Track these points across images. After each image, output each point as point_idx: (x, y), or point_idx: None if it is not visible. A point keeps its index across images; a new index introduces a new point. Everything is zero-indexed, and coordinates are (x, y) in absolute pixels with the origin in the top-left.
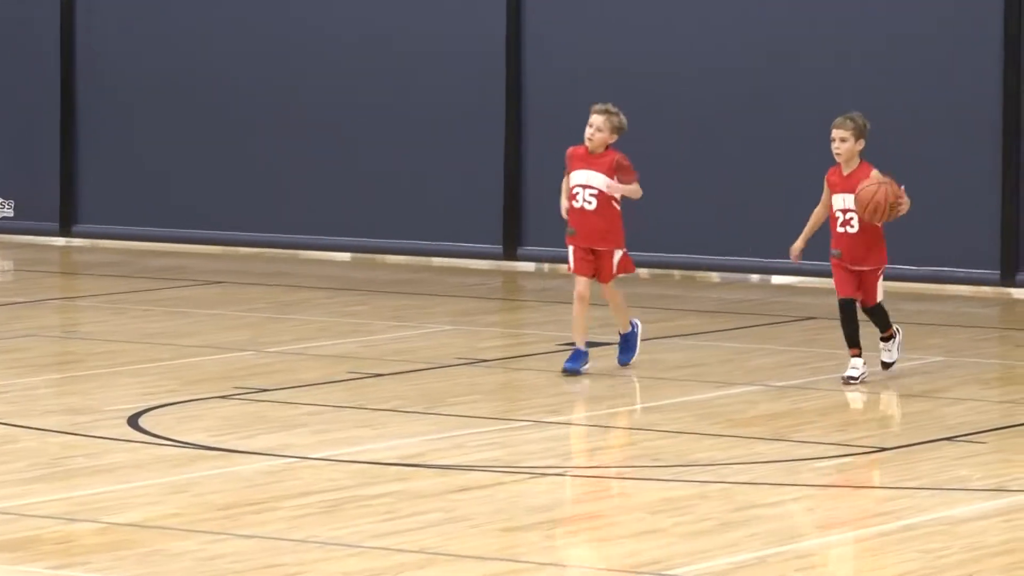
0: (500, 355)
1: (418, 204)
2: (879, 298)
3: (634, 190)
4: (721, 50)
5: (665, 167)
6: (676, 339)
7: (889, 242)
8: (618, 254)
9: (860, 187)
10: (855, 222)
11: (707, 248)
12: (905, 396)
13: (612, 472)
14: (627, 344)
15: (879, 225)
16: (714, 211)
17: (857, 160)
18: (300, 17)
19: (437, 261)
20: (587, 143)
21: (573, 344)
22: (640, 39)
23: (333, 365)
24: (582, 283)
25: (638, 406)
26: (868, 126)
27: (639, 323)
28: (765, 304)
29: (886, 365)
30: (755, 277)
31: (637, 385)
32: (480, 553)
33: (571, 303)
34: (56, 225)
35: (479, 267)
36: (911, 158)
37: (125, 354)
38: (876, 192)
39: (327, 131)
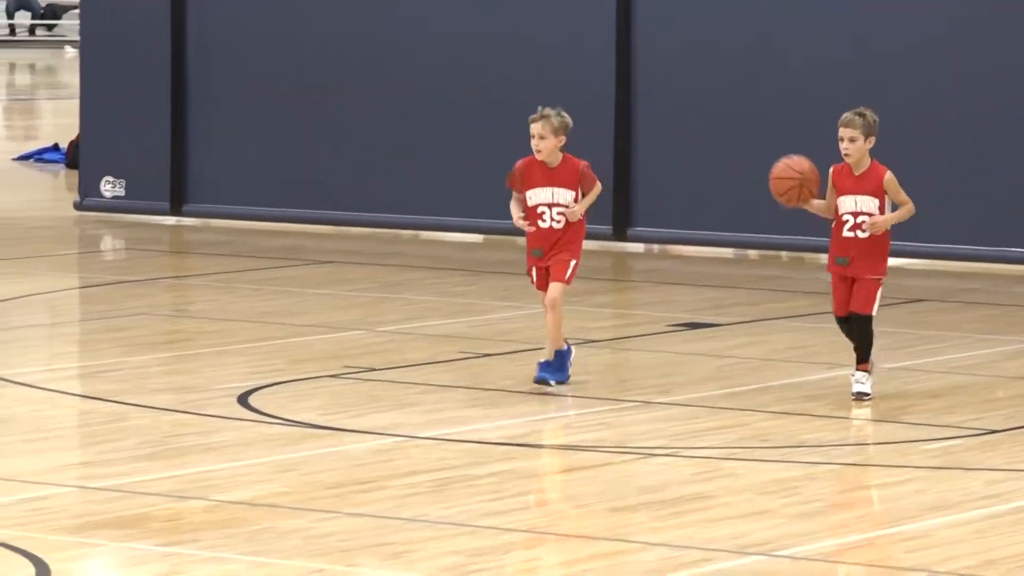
0: (609, 335)
1: None
2: (874, 311)
3: (594, 196)
4: (822, 33)
5: (769, 149)
6: (784, 320)
7: (995, 222)
8: (573, 263)
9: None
10: (867, 226)
11: (815, 230)
12: (1014, 379)
13: (721, 453)
14: (560, 363)
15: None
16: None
17: (868, 160)
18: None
19: None
20: (536, 156)
21: (682, 325)
22: (750, 19)
23: (442, 345)
24: (544, 297)
25: (746, 387)
26: (877, 122)
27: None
28: None
29: (861, 395)
30: None
31: (743, 367)
32: (588, 533)
33: (680, 284)
34: (167, 204)
35: (589, 248)
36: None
37: (235, 333)
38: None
39: (437, 113)
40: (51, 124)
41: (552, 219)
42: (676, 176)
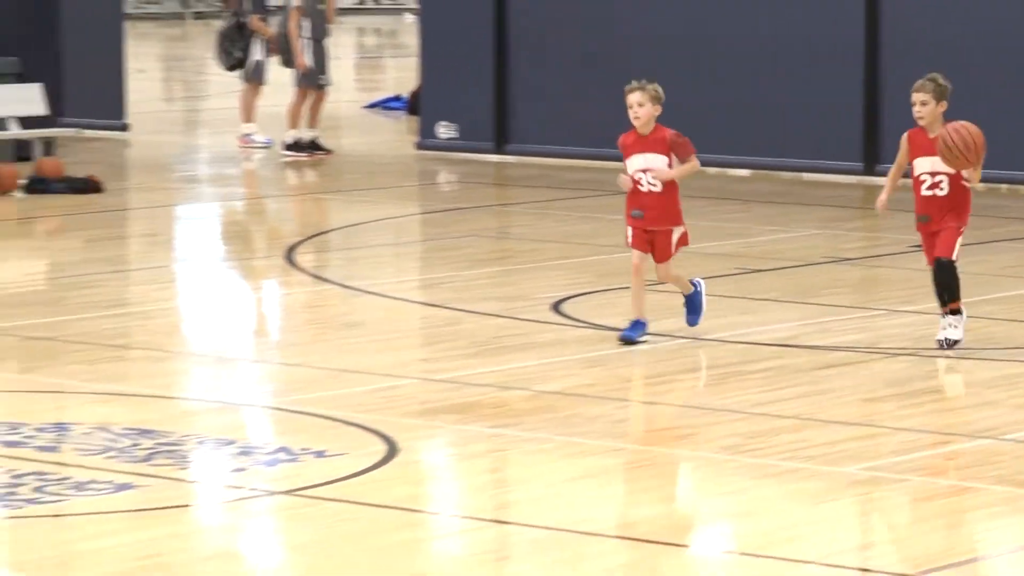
0: (860, 254)
1: (792, 127)
2: (954, 254)
3: (690, 169)
4: None
5: (1001, 94)
6: (1004, 243)
7: None
8: (677, 232)
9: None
10: (944, 185)
11: None
12: None
13: (955, 353)
14: (693, 305)
15: (968, 186)
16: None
17: (940, 123)
18: None
19: (807, 176)
20: (635, 123)
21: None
22: None
23: (720, 262)
24: (638, 256)
25: (977, 298)
26: (949, 87)
27: (702, 282)
28: None
29: (950, 343)
30: None
31: (972, 281)
32: (844, 419)
33: None
34: (492, 144)
35: (843, 181)
36: None
37: (549, 251)
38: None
39: (721, 64)
40: (393, 78)
41: (649, 183)
42: None
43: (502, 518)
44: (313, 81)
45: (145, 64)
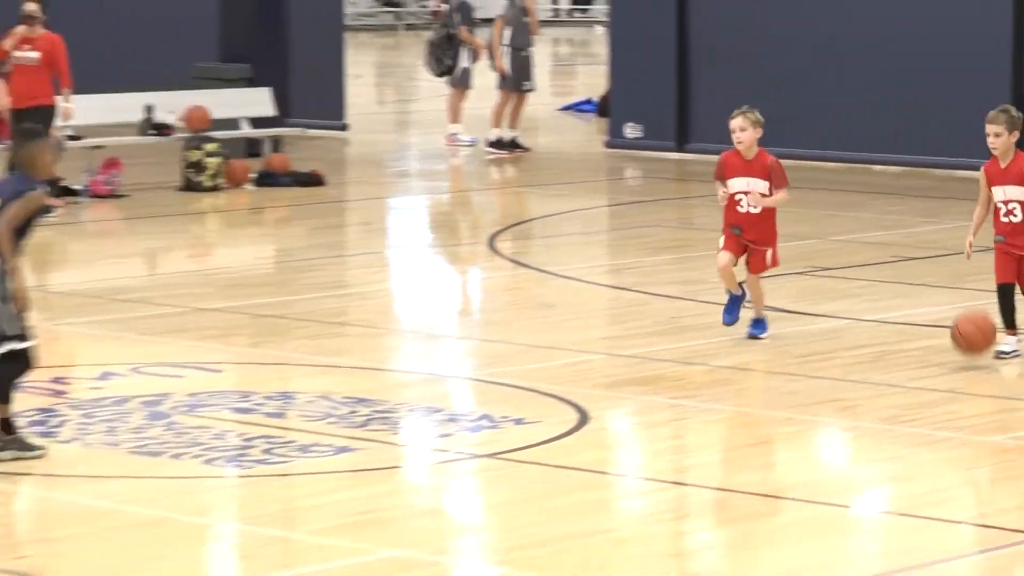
0: None
1: (944, 126)
2: None
3: (781, 199)
4: None
5: None
6: None
7: None
8: (770, 251)
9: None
10: (1018, 212)
11: None
12: None
13: None
14: (759, 322)
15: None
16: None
17: (1013, 152)
18: None
19: (959, 173)
20: (738, 147)
21: None
22: None
23: (879, 250)
24: (725, 257)
25: None
26: (1021, 117)
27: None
28: None
29: (1006, 354)
30: None
31: None
32: (992, 393)
33: None
34: (674, 143)
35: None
36: None
37: None
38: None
39: (882, 66)
40: (584, 84)
41: (749, 204)
42: None
43: (681, 480)
44: (514, 85)
45: (362, 70)
